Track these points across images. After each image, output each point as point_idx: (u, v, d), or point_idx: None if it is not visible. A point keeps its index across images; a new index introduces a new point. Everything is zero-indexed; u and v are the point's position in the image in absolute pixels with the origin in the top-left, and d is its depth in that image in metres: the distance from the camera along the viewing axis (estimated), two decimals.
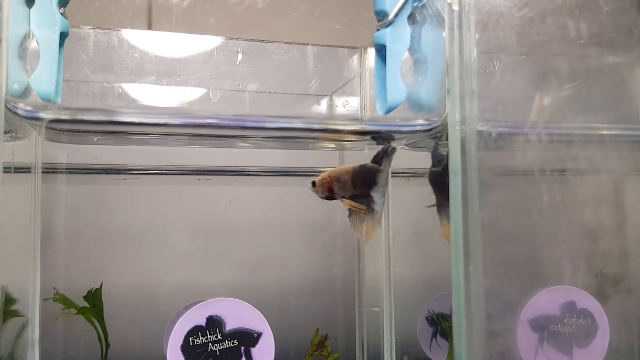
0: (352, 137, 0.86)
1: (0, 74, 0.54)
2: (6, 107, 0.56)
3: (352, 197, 0.77)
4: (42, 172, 0.76)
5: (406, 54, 0.77)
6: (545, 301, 0.76)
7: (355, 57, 1.01)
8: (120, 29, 0.83)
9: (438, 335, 0.98)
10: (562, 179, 0.69)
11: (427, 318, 0.99)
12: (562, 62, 0.67)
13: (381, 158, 0.77)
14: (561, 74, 0.67)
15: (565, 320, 0.78)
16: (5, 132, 0.59)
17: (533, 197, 0.67)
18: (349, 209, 0.78)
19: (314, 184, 0.77)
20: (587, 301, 0.78)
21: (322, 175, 0.77)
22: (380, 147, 0.78)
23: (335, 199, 0.77)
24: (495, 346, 0.63)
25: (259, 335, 0.76)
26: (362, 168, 0.77)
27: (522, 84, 0.66)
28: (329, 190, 0.76)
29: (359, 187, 0.76)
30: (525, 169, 0.66)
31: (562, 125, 0.67)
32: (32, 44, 0.66)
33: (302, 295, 1.07)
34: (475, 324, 0.62)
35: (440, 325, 0.98)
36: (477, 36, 0.65)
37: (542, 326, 0.77)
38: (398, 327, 0.88)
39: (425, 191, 0.95)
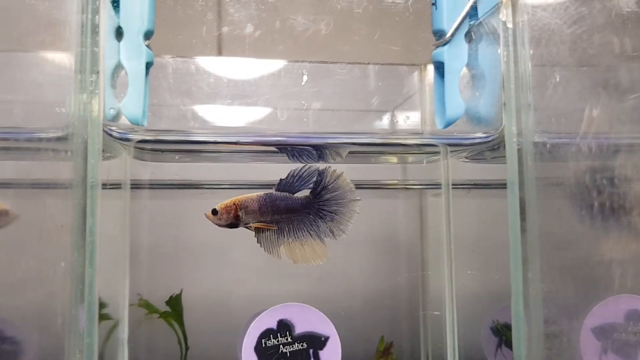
0: (413, 151, 0.90)
1: (99, 101, 0.61)
2: (103, 130, 0.64)
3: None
4: (130, 188, 0.84)
5: (464, 69, 0.80)
6: (609, 309, 0.76)
7: (416, 74, 1.04)
8: (196, 57, 0.90)
9: (503, 345, 0.99)
10: (621, 187, 0.70)
11: (491, 328, 1.00)
12: (613, 74, 0.69)
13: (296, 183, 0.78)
14: (613, 85, 0.69)
15: (630, 329, 0.77)
16: (102, 152, 0.66)
17: (592, 205, 0.69)
18: (256, 230, 0.78)
19: (215, 212, 0.76)
20: None
21: (226, 203, 0.77)
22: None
23: (238, 226, 0.77)
24: (553, 349, 0.65)
25: (327, 338, 0.80)
26: (269, 196, 0.77)
27: (575, 96, 0.68)
28: (235, 217, 0.76)
29: (267, 214, 0.77)
30: (582, 177, 0.68)
31: (616, 135, 0.68)
32: (122, 74, 0.74)
33: (368, 305, 1.10)
34: (534, 327, 0.64)
35: (505, 335, 0.99)
36: (531, 51, 0.68)
37: (606, 334, 0.77)
38: (462, 335, 0.90)
39: (485, 203, 0.97)
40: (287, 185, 0.78)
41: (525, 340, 0.65)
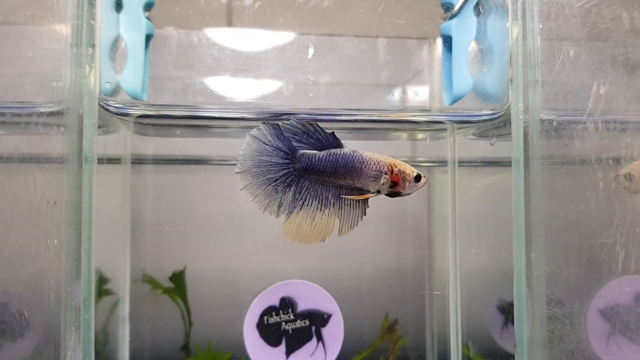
0: (420, 128, 0.89)
1: (95, 75, 0.60)
2: (100, 104, 0.63)
3: None
4: (131, 163, 0.83)
5: (472, 44, 0.78)
6: (617, 291, 0.75)
7: (425, 48, 1.02)
8: (200, 29, 0.88)
9: (509, 324, 0.99)
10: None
11: (498, 307, 1.00)
12: (623, 49, 0.66)
13: None
14: (622, 61, 0.66)
15: (639, 310, 0.76)
16: (99, 127, 0.65)
17: (600, 186, 0.67)
18: None
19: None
20: None
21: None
22: None
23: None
24: (556, 331, 0.64)
25: (329, 316, 0.79)
26: None
27: (584, 72, 0.66)
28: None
29: None
30: (590, 157, 0.66)
31: (624, 114, 0.66)
32: (121, 46, 0.73)
33: (374, 282, 1.10)
34: (537, 309, 0.63)
35: (512, 314, 0.98)
36: (540, 26, 0.65)
37: (614, 316, 0.76)
38: (467, 314, 0.89)
39: (492, 180, 0.95)
40: None
41: (527, 322, 0.64)
